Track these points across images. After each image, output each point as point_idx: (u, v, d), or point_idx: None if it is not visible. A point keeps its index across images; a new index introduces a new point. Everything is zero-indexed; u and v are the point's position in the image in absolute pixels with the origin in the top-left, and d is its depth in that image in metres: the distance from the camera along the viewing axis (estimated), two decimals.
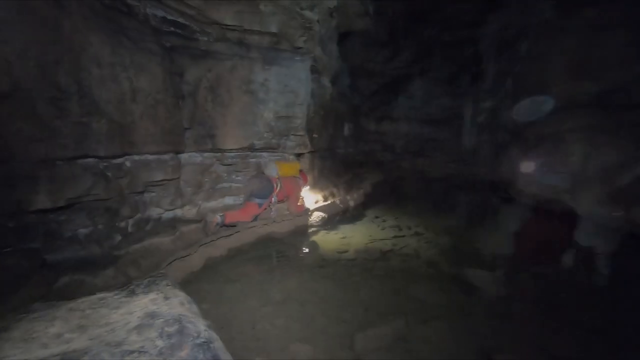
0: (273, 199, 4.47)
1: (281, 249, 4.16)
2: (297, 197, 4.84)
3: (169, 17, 3.72)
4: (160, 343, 1.01)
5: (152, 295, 1.27)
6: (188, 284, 3.16)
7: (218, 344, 1.11)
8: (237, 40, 4.19)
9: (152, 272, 2.74)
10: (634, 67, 5.47)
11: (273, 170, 4.49)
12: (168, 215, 3.86)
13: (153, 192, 3.66)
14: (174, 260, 3.30)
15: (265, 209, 4.46)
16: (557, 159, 5.53)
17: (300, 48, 4.75)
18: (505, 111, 7.63)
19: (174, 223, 3.78)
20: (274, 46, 4.41)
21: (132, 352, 0.96)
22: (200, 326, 1.13)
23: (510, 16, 7.84)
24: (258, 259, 3.83)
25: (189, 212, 4.09)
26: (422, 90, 10.24)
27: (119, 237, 3.23)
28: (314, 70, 5.62)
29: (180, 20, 3.83)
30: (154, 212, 3.72)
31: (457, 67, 10.09)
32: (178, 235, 3.60)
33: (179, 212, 3.97)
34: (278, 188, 4.47)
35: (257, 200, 4.29)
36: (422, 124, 10.22)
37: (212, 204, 4.35)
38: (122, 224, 3.32)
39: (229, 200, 4.47)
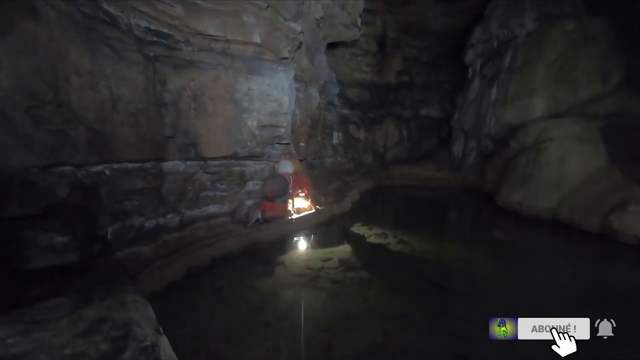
0: (290, 190, 4.77)
1: (265, 257, 4.14)
2: (309, 187, 5.16)
3: (153, 27, 3.76)
4: (104, 347, 1.01)
5: (108, 301, 1.27)
6: (168, 294, 3.13)
7: (164, 346, 1.11)
8: (221, 50, 4.24)
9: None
10: (611, 79, 5.63)
11: (289, 167, 4.80)
12: (150, 223, 3.83)
13: (135, 200, 3.64)
14: (154, 269, 3.27)
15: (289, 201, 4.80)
16: (538, 168, 5.62)
17: (285, 58, 4.82)
18: (490, 120, 7.77)
19: (157, 231, 3.76)
20: (258, 56, 4.46)
21: (72, 355, 0.96)
22: (148, 330, 1.14)
23: (494, 29, 8.03)
24: (241, 268, 3.81)
25: (171, 220, 4.06)
26: (411, 100, 10.41)
27: (98, 246, 3.18)
28: (300, 80, 5.69)
29: (164, 30, 3.87)
30: (136, 220, 3.69)
31: (444, 77, 10.30)
32: (160, 244, 3.58)
33: (161, 221, 3.94)
34: (292, 182, 4.77)
35: (280, 200, 4.65)
36: (411, 132, 10.36)
37: (196, 212, 4.33)
38: (102, 233, 3.28)
39: (213, 209, 4.46)
